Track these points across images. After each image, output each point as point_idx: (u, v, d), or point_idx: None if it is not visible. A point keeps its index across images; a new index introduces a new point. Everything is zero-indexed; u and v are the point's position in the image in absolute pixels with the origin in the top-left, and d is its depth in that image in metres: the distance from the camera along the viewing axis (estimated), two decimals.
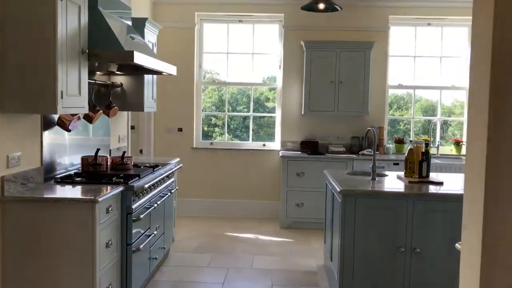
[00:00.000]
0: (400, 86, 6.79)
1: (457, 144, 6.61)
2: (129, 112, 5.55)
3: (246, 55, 6.88)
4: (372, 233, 3.58)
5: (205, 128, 7.03)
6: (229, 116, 7.01)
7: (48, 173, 3.62)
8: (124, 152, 4.07)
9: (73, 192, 3.41)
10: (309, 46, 6.28)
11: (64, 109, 3.16)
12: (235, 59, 6.90)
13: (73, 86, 3.28)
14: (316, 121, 6.62)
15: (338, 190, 3.61)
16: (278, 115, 6.81)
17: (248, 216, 6.70)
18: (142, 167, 4.31)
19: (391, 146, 6.52)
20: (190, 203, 6.72)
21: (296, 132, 6.66)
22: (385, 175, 4.41)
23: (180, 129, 6.74)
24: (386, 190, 3.87)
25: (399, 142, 6.60)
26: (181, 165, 5.08)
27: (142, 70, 4.56)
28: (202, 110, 6.98)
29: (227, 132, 6.99)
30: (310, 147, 6.48)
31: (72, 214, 3.08)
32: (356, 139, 6.52)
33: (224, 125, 6.99)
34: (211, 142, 6.88)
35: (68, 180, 3.61)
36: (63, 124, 3.67)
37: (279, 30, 6.74)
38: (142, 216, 3.66)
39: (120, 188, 3.45)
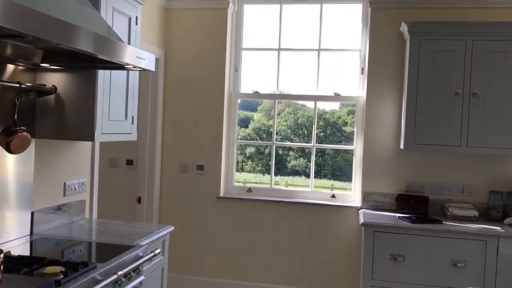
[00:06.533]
0: None
1: None
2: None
3: (307, 54, 4.35)
4: None
5: (280, 152, 4.53)
6: (278, 147, 4.48)
7: None
8: None
9: None
10: (417, 31, 3.61)
11: None
12: (290, 59, 4.39)
13: None
14: (426, 162, 3.89)
15: None
16: (358, 149, 4.17)
17: None
18: (41, 273, 1.87)
19: None
20: (209, 285, 4.22)
21: (388, 179, 3.96)
22: None
23: (200, 167, 4.30)
24: None
25: None
26: (158, 250, 2.57)
27: (90, 61, 2.23)
28: (276, 133, 4.49)
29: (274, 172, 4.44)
30: (414, 206, 3.76)
31: None
32: (498, 196, 3.69)
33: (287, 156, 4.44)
34: (249, 189, 4.36)
35: None
36: None
37: (362, 10, 4.16)
38: None
39: None
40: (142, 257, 2.37)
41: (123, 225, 2.96)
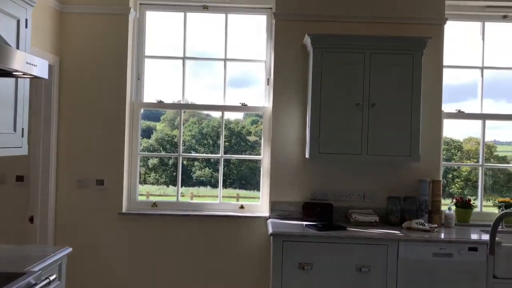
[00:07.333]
0: (461, 115, 4.25)
1: None
2: None
3: (213, 63, 4.29)
4: None
5: (185, 162, 4.36)
6: (184, 158, 4.36)
7: None
8: None
9: None
10: (319, 44, 3.72)
11: None
12: (195, 68, 4.30)
13: None
14: (330, 170, 4.00)
15: None
16: (265, 158, 4.17)
17: None
18: None
19: (452, 213, 3.93)
20: None
21: (295, 188, 4.01)
22: None
23: (100, 182, 4.02)
24: None
25: (464, 205, 4.02)
26: (53, 276, 2.32)
27: None
28: (183, 144, 4.31)
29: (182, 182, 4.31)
30: (319, 214, 3.84)
31: None
32: (396, 202, 3.90)
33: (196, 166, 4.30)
34: (154, 203, 4.17)
35: None
36: None
37: (267, 22, 4.20)
38: None
39: None
40: (35, 285, 2.13)
41: (12, 249, 2.65)
